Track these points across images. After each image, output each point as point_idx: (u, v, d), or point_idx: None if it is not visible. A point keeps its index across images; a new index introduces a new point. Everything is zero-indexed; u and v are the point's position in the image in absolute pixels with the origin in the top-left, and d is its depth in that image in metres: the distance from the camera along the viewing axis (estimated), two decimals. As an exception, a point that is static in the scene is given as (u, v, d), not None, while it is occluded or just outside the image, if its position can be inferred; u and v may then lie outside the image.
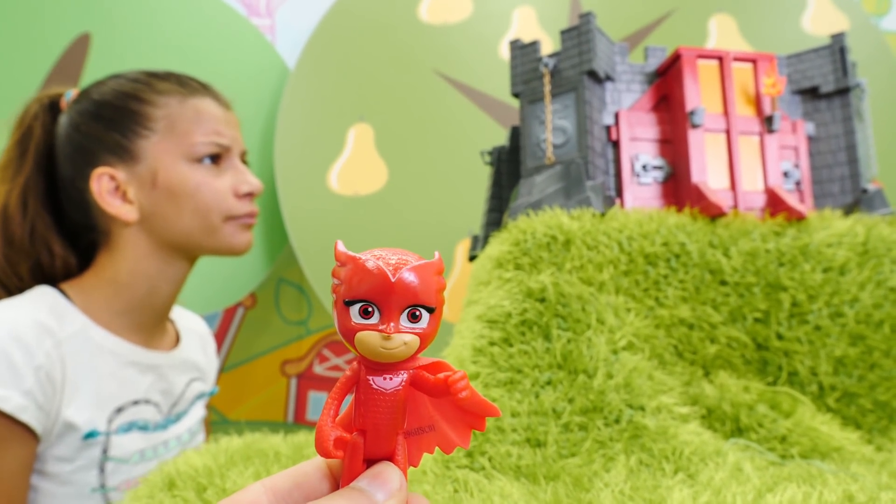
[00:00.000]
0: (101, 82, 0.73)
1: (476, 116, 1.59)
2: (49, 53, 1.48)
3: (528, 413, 0.47)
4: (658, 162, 0.70)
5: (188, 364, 0.79)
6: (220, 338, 1.77)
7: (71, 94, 0.74)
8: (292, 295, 1.85)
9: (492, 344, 0.53)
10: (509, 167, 0.79)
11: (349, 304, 0.23)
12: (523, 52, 0.74)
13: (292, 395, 1.82)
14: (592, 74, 0.69)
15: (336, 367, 1.81)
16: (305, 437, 0.59)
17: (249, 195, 0.71)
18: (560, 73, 0.70)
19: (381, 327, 0.22)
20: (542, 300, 0.55)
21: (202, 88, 0.71)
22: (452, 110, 1.60)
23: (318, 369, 1.82)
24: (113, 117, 0.68)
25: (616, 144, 0.71)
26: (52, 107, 0.73)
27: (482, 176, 1.56)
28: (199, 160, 0.68)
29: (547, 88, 0.70)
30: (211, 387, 0.86)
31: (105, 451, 0.66)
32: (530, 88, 0.72)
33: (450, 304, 1.48)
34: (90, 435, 0.65)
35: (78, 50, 1.51)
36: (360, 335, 0.22)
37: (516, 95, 0.74)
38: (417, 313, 0.23)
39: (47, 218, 0.70)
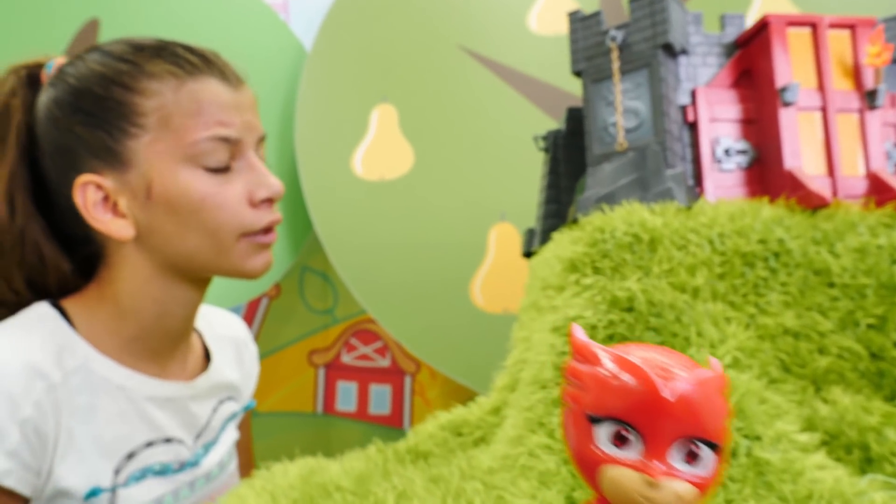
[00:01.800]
0: (81, 58, 0.56)
1: (505, 94, 1.51)
2: (58, 40, 1.41)
3: (631, 448, 0.41)
4: (741, 145, 0.63)
5: (218, 387, 0.67)
6: (244, 329, 1.73)
7: (52, 65, 0.58)
8: (317, 283, 1.79)
9: (577, 363, 0.47)
10: (568, 153, 0.72)
11: (595, 421, 0.16)
12: (585, 24, 0.66)
13: (321, 385, 1.78)
14: (667, 48, 0.61)
15: (364, 357, 1.76)
16: (365, 466, 0.53)
17: (269, 201, 0.56)
18: (630, 47, 0.63)
19: (644, 464, 0.15)
20: (630, 310, 0.49)
21: (203, 64, 0.54)
22: (480, 88, 1.52)
23: (346, 359, 1.77)
24: (94, 110, 0.54)
25: (693, 126, 0.63)
26: (31, 80, 0.58)
27: (514, 156, 1.49)
28: (203, 163, 0.53)
29: (615, 65, 0.62)
30: (246, 402, 0.74)
31: None
32: (595, 66, 0.65)
33: (483, 292, 1.42)
34: (92, 494, 0.54)
35: (86, 36, 1.44)
36: (611, 472, 0.16)
37: (578, 74, 0.67)
38: (697, 450, 0.16)
39: (39, 218, 0.57)
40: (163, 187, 0.53)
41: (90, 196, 0.54)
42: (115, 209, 0.54)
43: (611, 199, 0.59)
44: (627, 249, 0.52)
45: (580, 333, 0.16)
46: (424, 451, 0.60)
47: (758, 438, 0.42)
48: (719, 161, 0.62)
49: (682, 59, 0.65)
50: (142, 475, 0.57)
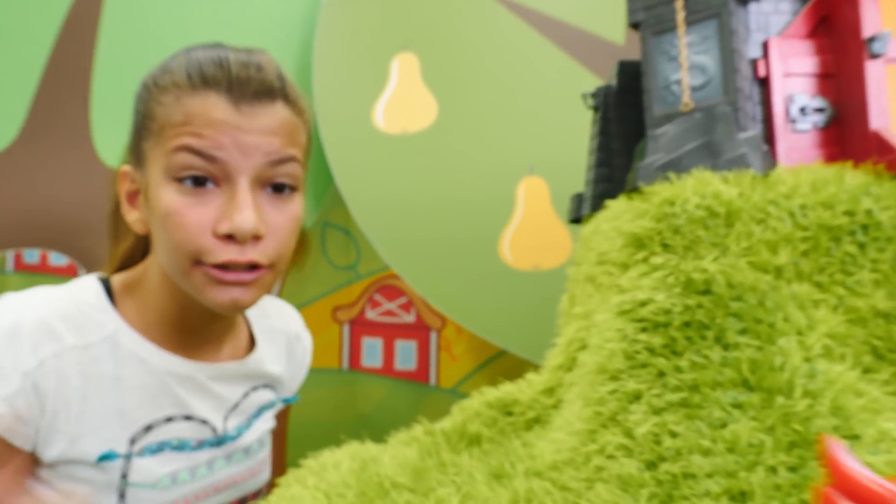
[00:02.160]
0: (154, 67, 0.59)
1: (534, 41, 1.43)
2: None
3: (721, 451, 0.37)
4: (819, 103, 0.57)
5: (253, 374, 0.66)
6: (267, 287, 1.71)
7: None
8: (339, 239, 1.76)
9: (652, 352, 0.43)
10: (620, 112, 0.67)
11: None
12: (644, -31, 0.60)
13: (346, 341, 1.77)
14: (740, -5, 0.55)
15: (389, 313, 1.74)
16: (418, 456, 0.50)
17: (229, 237, 0.51)
18: (697, -5, 0.56)
19: None
20: (708, 293, 0.45)
21: (211, 80, 0.52)
22: (507, 34, 1.44)
23: (371, 315, 1.76)
24: (136, 112, 0.56)
25: (764, 82, 0.58)
26: None
27: (543, 107, 1.42)
28: (178, 177, 0.51)
29: (681, 16, 0.56)
30: (288, 394, 0.73)
31: (125, 476, 0.56)
32: (655, 16, 0.59)
33: (512, 249, 1.38)
34: (105, 457, 0.55)
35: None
36: None
37: (635, 26, 0.61)
38: None
39: None
40: (150, 193, 0.54)
41: (125, 185, 0.58)
42: (134, 203, 0.58)
43: (676, 165, 0.54)
44: (700, 224, 0.48)
45: (849, 460, 0.12)
46: (474, 433, 0.57)
47: (857, 438, 0.38)
48: (793, 121, 0.57)
49: (752, 6, 0.59)
50: (158, 448, 0.58)
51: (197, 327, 0.60)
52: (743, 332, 0.43)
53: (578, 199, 0.70)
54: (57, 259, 1.46)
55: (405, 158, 1.44)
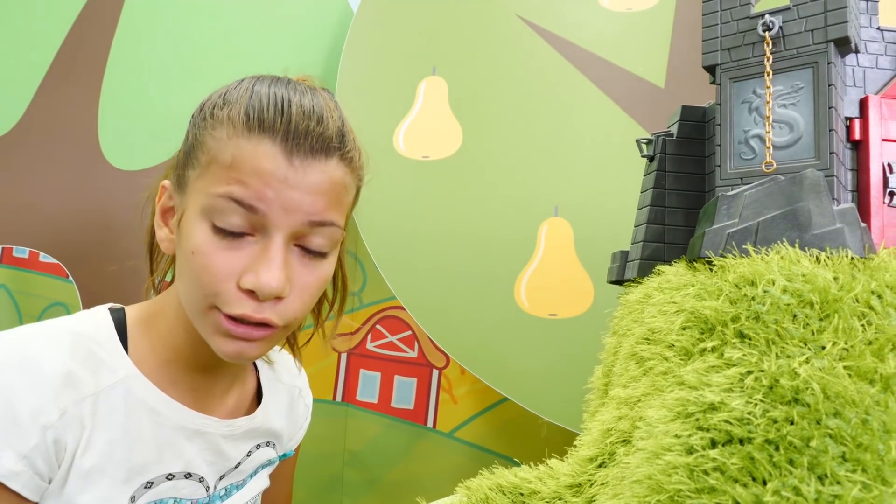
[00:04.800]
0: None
1: (567, 72, 1.36)
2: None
3: None
4: (922, 176, 0.49)
5: (258, 432, 0.63)
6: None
7: None
8: (347, 263, 1.67)
9: (724, 474, 0.34)
10: (677, 164, 0.58)
11: None
12: (726, 3, 0.52)
13: (342, 372, 1.67)
14: (841, 43, 0.47)
15: (390, 346, 1.65)
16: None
17: (251, 293, 0.49)
18: (789, 38, 0.48)
19: None
20: (798, 403, 0.36)
21: (270, 126, 0.50)
22: (539, 64, 1.37)
23: (371, 346, 1.66)
24: (188, 137, 0.54)
25: (858, 146, 0.49)
26: None
27: (573, 144, 1.34)
28: (212, 218, 0.49)
29: (768, 62, 0.48)
30: (286, 450, 0.69)
31: None
32: (737, 60, 0.51)
33: (529, 293, 1.29)
34: None
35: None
36: None
37: (710, 70, 0.53)
38: None
39: None
40: (184, 222, 0.52)
41: (163, 199, 0.56)
42: (167, 222, 0.56)
43: (750, 235, 0.45)
44: (788, 314, 0.39)
45: None
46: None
47: None
48: (892, 193, 0.48)
49: (849, 58, 0.51)
50: None
51: (209, 366, 0.57)
52: (843, 459, 0.34)
53: (623, 258, 0.61)
54: (46, 256, 1.39)
55: (424, 186, 1.36)
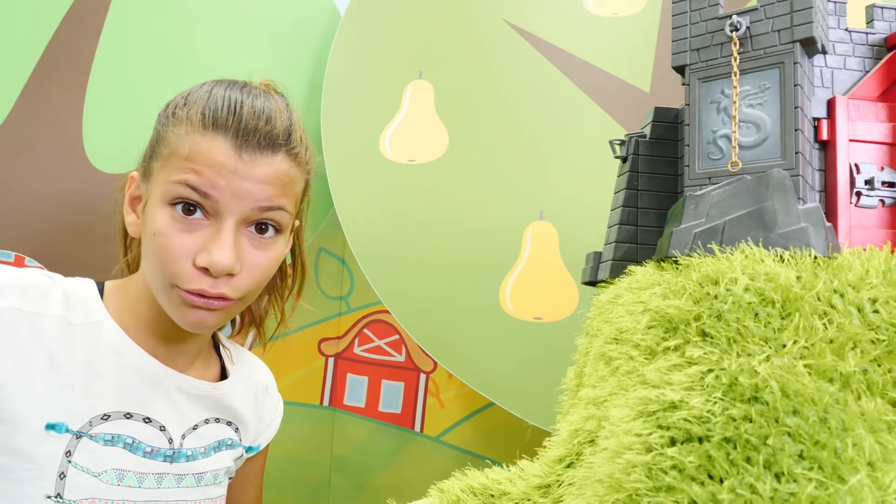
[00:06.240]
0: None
1: (553, 77, 1.36)
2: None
3: None
4: (888, 176, 0.49)
5: (218, 404, 0.67)
6: (253, 310, 1.61)
7: None
8: (334, 267, 1.67)
9: (682, 473, 0.34)
10: (651, 165, 0.58)
11: None
12: (695, 4, 0.52)
13: (329, 376, 1.67)
14: (808, 44, 0.47)
15: (377, 350, 1.64)
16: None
17: (206, 270, 0.56)
18: (756, 39, 0.49)
19: None
20: (757, 401, 0.36)
21: (223, 124, 0.57)
22: (526, 69, 1.37)
23: (358, 350, 1.66)
24: (156, 125, 0.62)
25: (826, 146, 0.49)
26: None
27: (559, 148, 1.35)
28: (172, 204, 0.56)
29: (735, 62, 0.48)
30: (251, 443, 0.72)
31: (69, 454, 0.56)
32: (706, 60, 0.51)
33: (514, 297, 1.29)
34: (53, 427, 0.56)
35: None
36: None
37: (680, 70, 0.53)
38: None
39: None
40: (147, 208, 0.59)
41: (131, 188, 0.63)
42: (135, 208, 0.62)
43: (719, 235, 0.45)
44: (750, 312, 0.39)
45: None
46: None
47: None
48: (858, 194, 0.48)
49: (817, 59, 0.51)
50: (112, 440, 0.59)
51: (169, 338, 0.63)
52: (800, 457, 0.34)
53: (596, 259, 0.61)
54: (31, 260, 1.38)
55: (410, 190, 1.36)
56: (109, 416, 0.59)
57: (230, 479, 0.71)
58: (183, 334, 0.63)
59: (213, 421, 0.67)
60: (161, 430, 0.62)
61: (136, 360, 0.61)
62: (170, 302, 0.58)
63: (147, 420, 0.61)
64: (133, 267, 0.70)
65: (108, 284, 0.65)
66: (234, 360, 0.72)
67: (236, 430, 0.69)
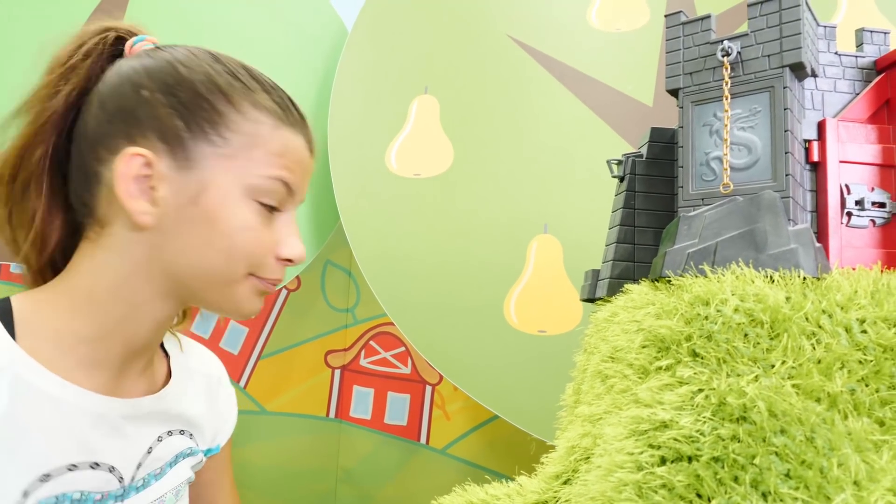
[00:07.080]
0: (195, 55, 0.59)
1: (557, 91, 1.38)
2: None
3: None
4: (879, 196, 0.50)
5: (168, 414, 0.62)
6: (259, 322, 1.63)
7: (143, 40, 0.61)
8: (340, 280, 1.69)
9: (671, 492, 0.35)
10: (647, 185, 0.60)
11: None
12: (688, 30, 0.53)
13: (335, 388, 1.68)
14: (797, 68, 0.48)
15: (384, 362, 1.65)
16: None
17: (288, 261, 0.58)
18: (747, 63, 0.50)
19: None
20: (745, 421, 0.37)
21: (300, 123, 0.59)
22: (530, 84, 1.39)
23: (365, 362, 1.67)
24: (188, 103, 0.55)
25: (816, 168, 0.50)
26: (116, 46, 0.60)
27: (563, 162, 1.36)
28: (259, 199, 0.56)
29: (727, 86, 0.49)
30: (210, 444, 0.67)
31: None
32: (699, 84, 0.52)
33: (518, 310, 1.30)
34: None
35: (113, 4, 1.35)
36: None
37: (674, 93, 0.54)
38: None
39: (45, 178, 0.56)
40: (214, 200, 0.54)
41: (133, 168, 0.53)
42: (149, 192, 0.53)
43: (711, 255, 0.46)
44: (739, 333, 0.40)
45: None
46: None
47: None
48: (849, 214, 0.49)
49: (808, 82, 0.52)
50: (56, 502, 0.51)
51: (118, 359, 0.56)
52: (787, 477, 0.35)
53: (594, 277, 0.62)
54: (17, 266, 1.40)
55: (415, 204, 1.38)
56: (49, 475, 0.51)
57: (190, 483, 0.65)
58: (133, 348, 0.57)
59: (167, 435, 0.61)
60: (111, 471, 0.55)
61: (74, 401, 0.53)
62: (241, 293, 0.56)
63: (94, 465, 0.54)
64: (47, 273, 0.58)
65: (20, 304, 0.54)
66: (182, 349, 0.67)
67: (191, 436, 0.65)
